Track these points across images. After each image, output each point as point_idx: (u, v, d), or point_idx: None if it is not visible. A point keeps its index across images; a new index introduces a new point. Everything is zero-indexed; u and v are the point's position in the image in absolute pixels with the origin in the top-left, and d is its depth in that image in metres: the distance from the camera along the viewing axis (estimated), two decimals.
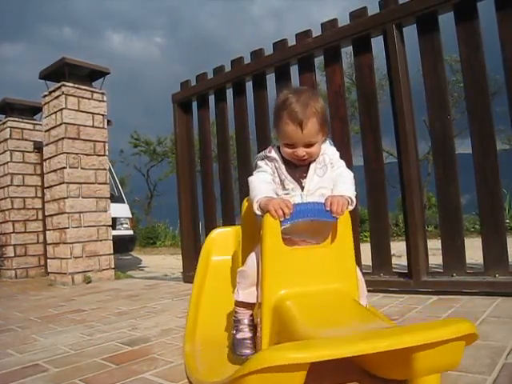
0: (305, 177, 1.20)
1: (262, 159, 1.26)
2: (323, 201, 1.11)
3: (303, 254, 1.12)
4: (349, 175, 1.23)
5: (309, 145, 1.16)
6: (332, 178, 1.21)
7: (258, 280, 1.13)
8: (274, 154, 1.23)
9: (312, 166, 1.20)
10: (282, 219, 1.08)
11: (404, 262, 2.25)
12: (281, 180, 1.21)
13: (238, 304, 1.22)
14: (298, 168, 1.21)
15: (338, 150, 1.28)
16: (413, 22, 2.15)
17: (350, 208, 1.14)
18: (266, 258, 1.07)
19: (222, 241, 1.51)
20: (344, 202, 1.11)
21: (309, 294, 1.06)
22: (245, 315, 1.22)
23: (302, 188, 1.19)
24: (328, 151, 1.23)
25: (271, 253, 1.08)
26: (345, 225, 1.12)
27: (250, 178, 1.23)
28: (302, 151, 1.16)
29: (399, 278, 2.16)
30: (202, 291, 1.45)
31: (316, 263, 1.10)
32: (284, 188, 1.20)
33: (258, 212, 1.13)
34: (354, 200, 1.16)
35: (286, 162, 1.22)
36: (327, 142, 1.26)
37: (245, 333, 1.20)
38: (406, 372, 0.87)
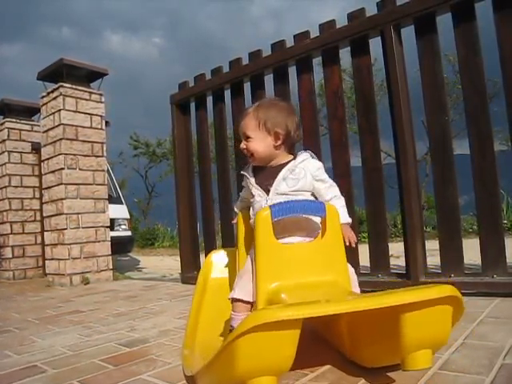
0: (271, 184, 1.24)
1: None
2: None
3: (295, 249, 1.15)
4: (342, 197, 1.31)
5: (247, 137, 1.27)
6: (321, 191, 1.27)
7: (253, 276, 1.14)
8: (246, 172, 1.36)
9: (281, 173, 1.23)
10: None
11: (402, 262, 2.25)
12: (250, 189, 1.31)
13: (234, 301, 1.20)
14: (264, 174, 1.27)
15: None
16: (411, 23, 2.15)
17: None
18: (259, 251, 1.10)
19: (219, 262, 1.52)
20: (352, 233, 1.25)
21: (302, 285, 1.09)
22: (241, 316, 1.21)
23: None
24: (309, 164, 1.26)
25: (264, 246, 1.11)
26: (333, 220, 1.16)
27: None
28: (242, 144, 1.29)
29: (397, 279, 2.16)
30: (202, 304, 1.43)
31: (308, 258, 1.14)
32: (253, 196, 1.29)
33: None
34: (350, 220, 1.29)
35: (256, 172, 1.31)
36: (305, 153, 1.29)
37: None
38: (396, 351, 0.88)
